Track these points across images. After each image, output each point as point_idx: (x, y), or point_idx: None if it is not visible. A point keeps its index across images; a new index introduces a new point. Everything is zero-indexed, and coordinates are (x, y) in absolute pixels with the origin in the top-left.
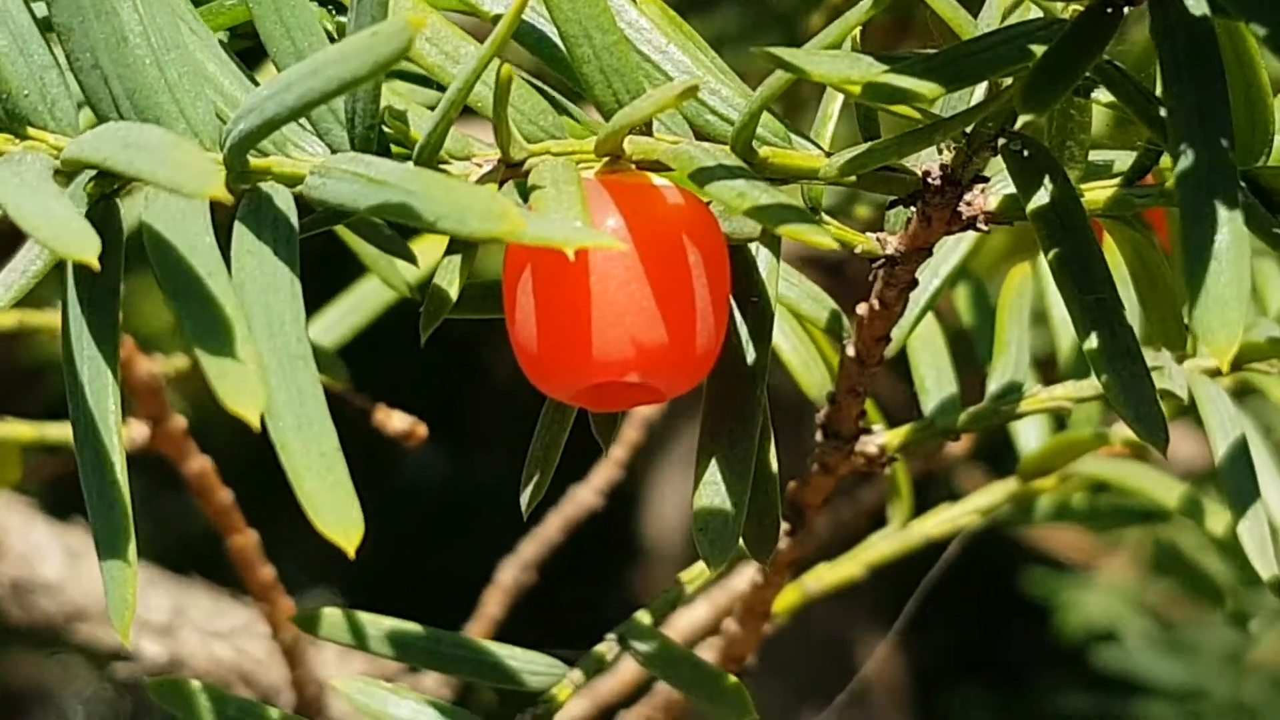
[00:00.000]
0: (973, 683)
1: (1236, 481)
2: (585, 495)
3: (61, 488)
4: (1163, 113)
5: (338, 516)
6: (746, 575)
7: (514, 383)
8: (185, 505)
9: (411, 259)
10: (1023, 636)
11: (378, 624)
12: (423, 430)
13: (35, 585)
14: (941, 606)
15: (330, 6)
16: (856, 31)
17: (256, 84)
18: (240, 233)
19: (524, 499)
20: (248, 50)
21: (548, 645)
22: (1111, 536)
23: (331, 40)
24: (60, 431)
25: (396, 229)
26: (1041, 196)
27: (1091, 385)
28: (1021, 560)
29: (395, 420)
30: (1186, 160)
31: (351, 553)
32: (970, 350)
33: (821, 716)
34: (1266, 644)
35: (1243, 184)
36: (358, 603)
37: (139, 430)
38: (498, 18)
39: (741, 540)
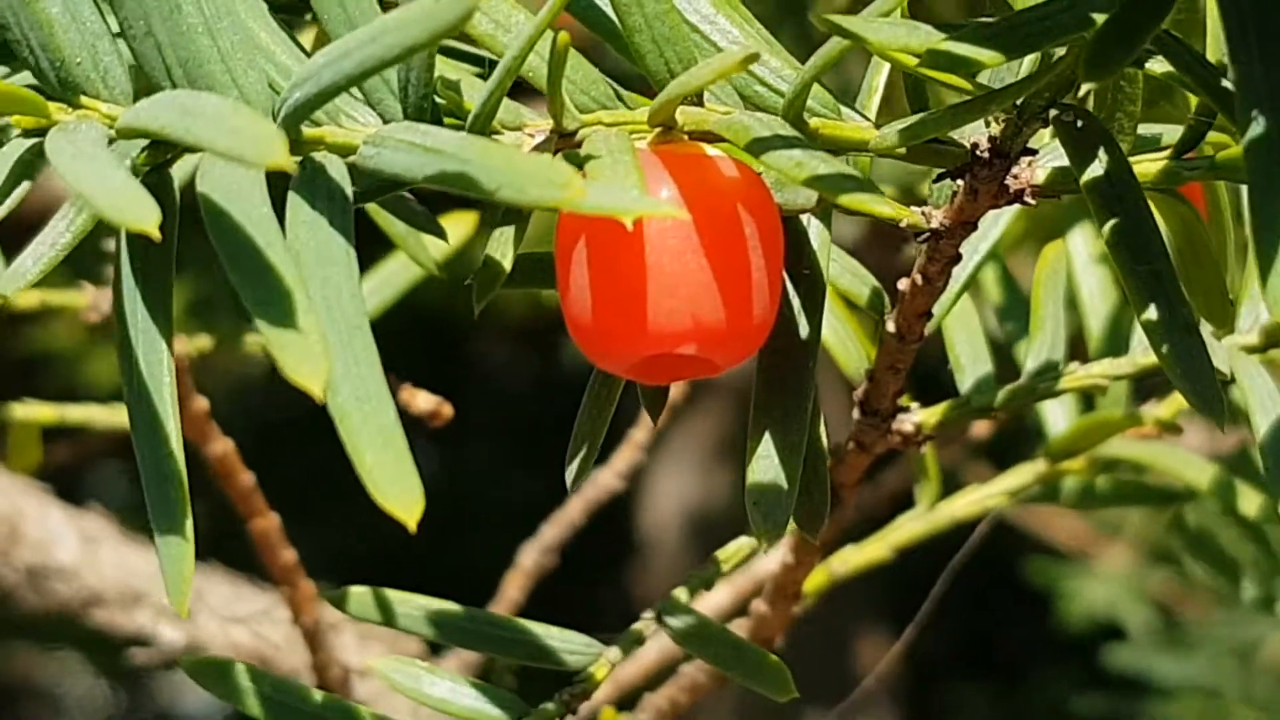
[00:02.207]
0: (971, 674)
1: (1279, 460)
2: (606, 478)
3: (76, 472)
4: (1225, 83)
5: (398, 490)
6: (770, 557)
7: (505, 375)
8: (202, 489)
9: (442, 235)
10: (1022, 626)
11: (412, 603)
12: (448, 410)
13: (51, 571)
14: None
15: None
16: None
17: (308, 54)
18: (295, 203)
19: (570, 473)
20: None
21: None
22: (1111, 525)
23: (382, 7)
24: (81, 414)
25: (426, 205)
26: (1096, 168)
27: (1129, 362)
28: (1020, 549)
29: (420, 400)
30: (1256, 130)
31: (413, 526)
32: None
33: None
34: (1275, 643)
35: None
36: None
37: None
38: None
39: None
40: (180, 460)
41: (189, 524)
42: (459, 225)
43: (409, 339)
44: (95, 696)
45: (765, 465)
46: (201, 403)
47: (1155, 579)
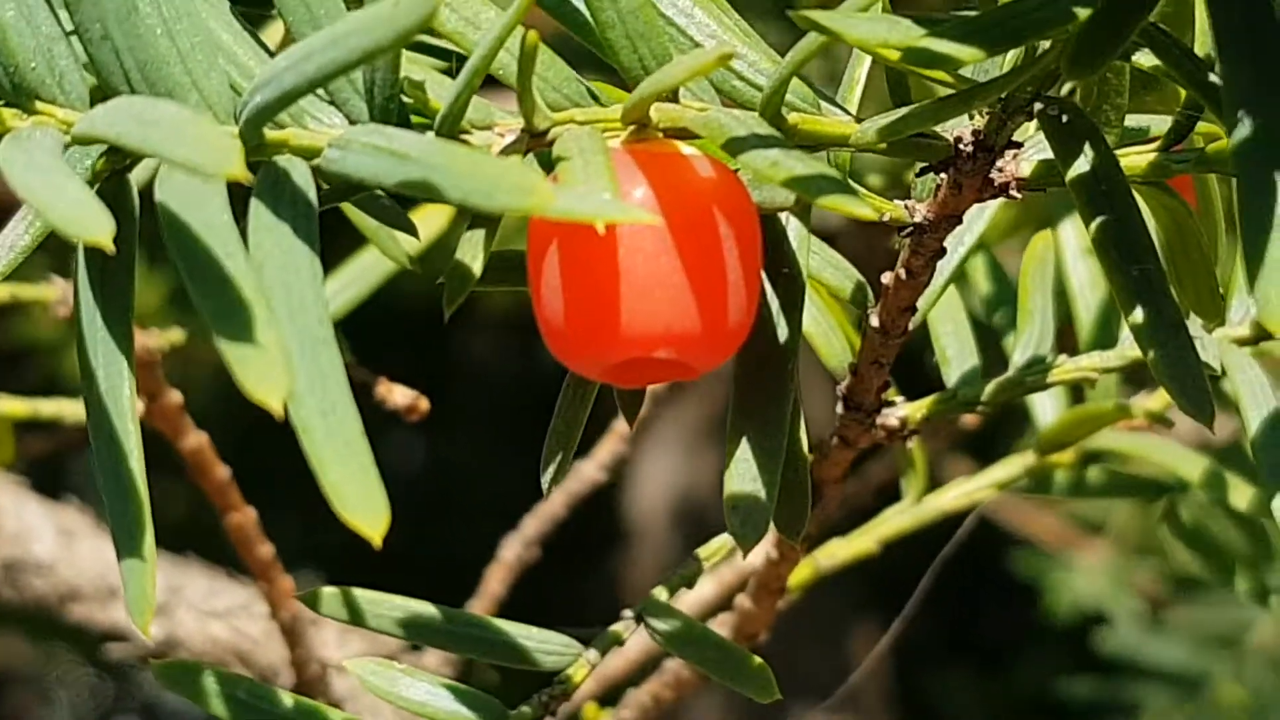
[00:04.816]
0: (958, 665)
1: (1271, 453)
2: (589, 470)
3: (52, 466)
4: (1213, 78)
5: (363, 505)
6: (756, 551)
7: (490, 366)
8: (179, 483)
9: (412, 231)
10: (1008, 620)
11: (388, 602)
12: (424, 405)
13: (28, 565)
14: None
15: None
16: None
17: (272, 54)
18: (257, 209)
19: (545, 478)
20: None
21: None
22: (1092, 523)
23: (348, 7)
24: (54, 408)
25: (396, 199)
26: (1081, 164)
27: (1118, 355)
28: (1003, 545)
29: (397, 395)
30: (1244, 129)
31: (378, 542)
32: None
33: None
34: (1263, 629)
35: None
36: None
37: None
38: None
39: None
40: (141, 478)
41: (149, 540)
42: (434, 217)
43: (391, 330)
44: (82, 687)
45: (743, 470)
46: (175, 396)
47: (1139, 575)
